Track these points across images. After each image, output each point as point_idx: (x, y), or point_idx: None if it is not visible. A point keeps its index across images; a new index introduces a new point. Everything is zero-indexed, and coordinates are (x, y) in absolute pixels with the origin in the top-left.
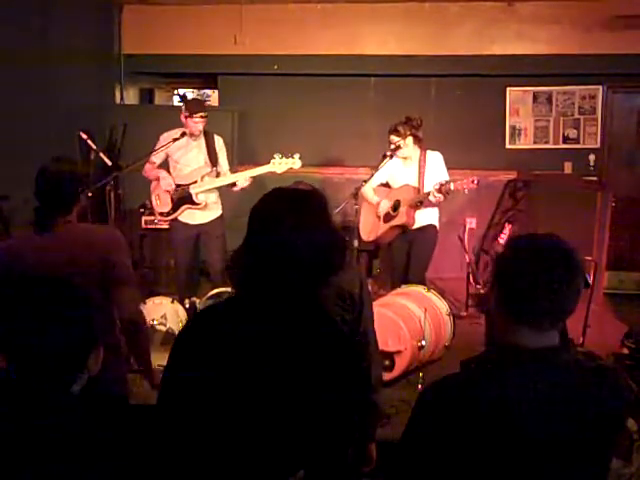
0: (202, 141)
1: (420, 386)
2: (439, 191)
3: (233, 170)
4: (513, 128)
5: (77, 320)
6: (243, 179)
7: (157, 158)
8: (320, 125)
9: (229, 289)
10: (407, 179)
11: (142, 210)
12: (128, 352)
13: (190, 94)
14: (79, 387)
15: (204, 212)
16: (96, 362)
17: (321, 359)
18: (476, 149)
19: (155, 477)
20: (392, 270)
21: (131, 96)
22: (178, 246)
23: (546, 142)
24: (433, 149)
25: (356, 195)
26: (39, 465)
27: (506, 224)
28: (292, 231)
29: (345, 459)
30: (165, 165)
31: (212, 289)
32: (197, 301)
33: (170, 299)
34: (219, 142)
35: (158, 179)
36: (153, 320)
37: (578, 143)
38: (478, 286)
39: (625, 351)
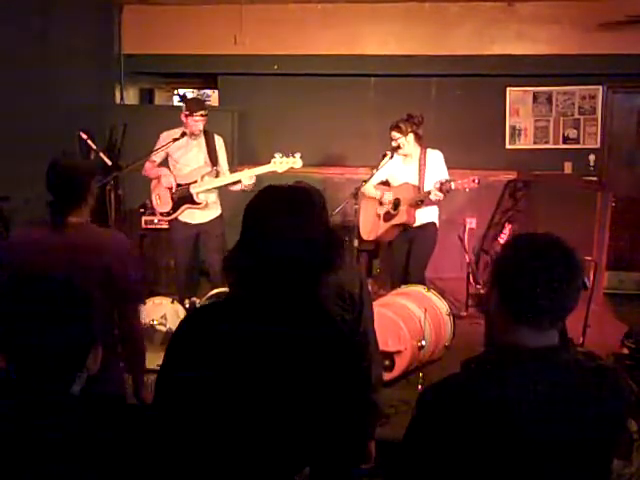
0: (202, 141)
1: (420, 386)
2: (440, 190)
3: (233, 170)
4: (513, 128)
5: (77, 319)
6: (247, 178)
7: (157, 157)
8: (320, 125)
9: (229, 289)
10: (407, 177)
11: (142, 210)
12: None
13: (190, 94)
14: (79, 387)
15: (204, 212)
16: (95, 361)
17: (321, 357)
18: (476, 149)
19: (156, 477)
20: (392, 270)
21: (131, 96)
22: (178, 246)
23: (546, 142)
24: (433, 149)
25: (356, 195)
26: (39, 465)
27: (506, 224)
28: (288, 229)
29: (349, 456)
30: (165, 165)
31: (212, 289)
32: (197, 301)
33: (170, 299)
34: (219, 142)
35: (158, 178)
36: (153, 320)
37: (578, 143)
38: (478, 286)
39: (625, 351)
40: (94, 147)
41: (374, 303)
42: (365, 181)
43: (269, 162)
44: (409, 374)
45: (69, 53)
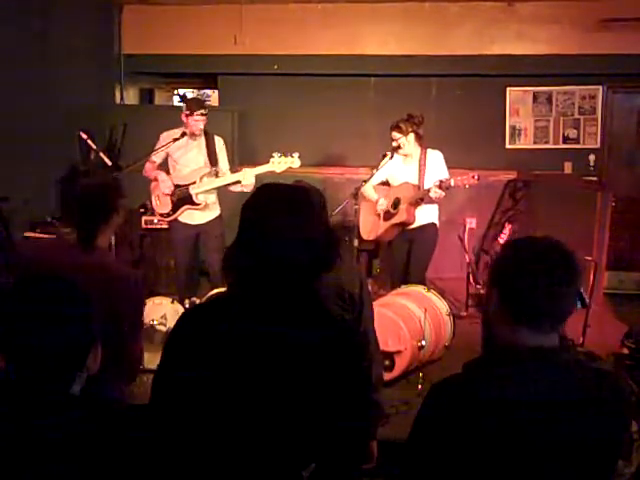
0: (202, 141)
1: (420, 386)
2: (440, 187)
3: (233, 170)
4: (513, 128)
5: (76, 319)
6: (247, 177)
7: (157, 157)
8: (320, 125)
9: None
10: (407, 177)
11: (142, 210)
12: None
13: (190, 94)
14: (79, 387)
15: (203, 212)
16: (95, 361)
17: (321, 356)
18: (476, 149)
19: (157, 476)
20: (392, 270)
21: (131, 96)
22: (178, 246)
23: (546, 142)
24: (433, 149)
25: (356, 195)
26: (39, 465)
27: (506, 224)
28: (286, 228)
29: (352, 454)
30: (165, 165)
31: (212, 289)
32: (197, 301)
33: (170, 299)
34: (219, 143)
35: (157, 180)
36: (153, 320)
37: (578, 143)
38: (478, 286)
39: (625, 351)
40: (94, 147)
41: (374, 303)
42: (365, 181)
43: (268, 162)
44: (409, 374)
45: (69, 53)
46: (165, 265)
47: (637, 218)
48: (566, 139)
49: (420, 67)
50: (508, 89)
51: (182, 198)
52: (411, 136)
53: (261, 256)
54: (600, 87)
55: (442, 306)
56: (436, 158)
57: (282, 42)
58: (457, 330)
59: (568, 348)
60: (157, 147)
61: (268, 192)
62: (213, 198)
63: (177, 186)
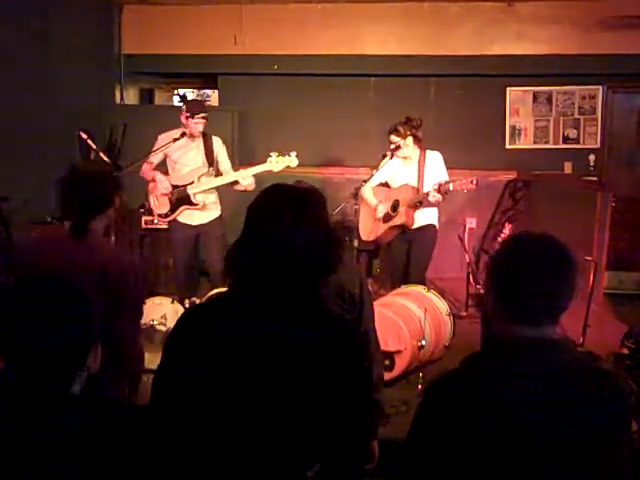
0: (200, 142)
1: (420, 386)
2: (438, 191)
3: (233, 170)
4: (513, 128)
5: (76, 319)
6: (244, 177)
7: (155, 158)
8: (320, 125)
9: None
10: (407, 179)
11: (142, 210)
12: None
13: (190, 94)
14: (79, 386)
15: (203, 212)
16: (95, 360)
17: (322, 355)
18: (476, 149)
19: (158, 477)
20: (392, 270)
21: (131, 96)
22: (177, 246)
23: (546, 142)
24: (433, 149)
25: (356, 195)
26: (39, 465)
27: (506, 224)
28: (289, 229)
29: (355, 454)
30: (163, 165)
31: (212, 289)
32: (197, 301)
33: (170, 299)
34: (217, 143)
35: (154, 181)
36: (153, 320)
37: (578, 143)
38: (478, 286)
39: (625, 351)
40: (94, 147)
41: (374, 303)
42: (365, 181)
43: (266, 162)
44: (409, 374)
45: (69, 53)
46: (165, 265)
47: (637, 218)
48: (566, 139)
49: (420, 67)
50: (508, 89)
51: (180, 198)
52: (409, 139)
53: (262, 255)
54: (600, 87)
55: (442, 306)
56: (435, 159)
57: (282, 42)
58: (457, 330)
59: (567, 343)
60: (155, 148)
61: (273, 193)
62: (213, 198)
63: (175, 186)
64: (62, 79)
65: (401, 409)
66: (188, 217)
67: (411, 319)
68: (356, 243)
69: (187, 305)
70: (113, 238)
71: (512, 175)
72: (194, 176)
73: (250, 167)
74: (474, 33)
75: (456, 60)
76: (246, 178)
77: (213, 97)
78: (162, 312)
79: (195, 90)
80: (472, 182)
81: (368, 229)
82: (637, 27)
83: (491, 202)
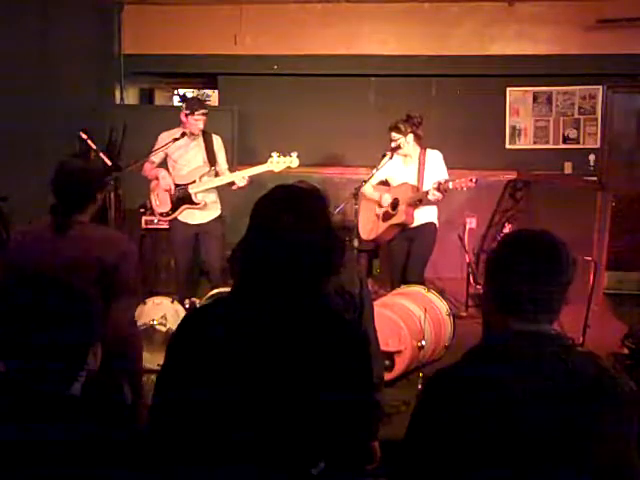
0: (201, 141)
1: (420, 386)
2: (438, 189)
3: (232, 170)
4: (513, 128)
5: (77, 318)
6: (240, 178)
7: (156, 157)
8: (320, 125)
9: (229, 289)
10: (407, 177)
11: (142, 210)
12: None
13: (190, 94)
14: (80, 386)
15: (203, 212)
16: (95, 359)
17: (328, 354)
18: (476, 149)
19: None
20: (392, 270)
21: (131, 96)
22: (178, 246)
23: (546, 142)
24: (433, 149)
25: (356, 195)
26: (39, 465)
27: (506, 224)
28: (292, 230)
29: (358, 452)
30: (164, 165)
31: (212, 289)
32: (197, 301)
33: (170, 299)
34: (218, 142)
35: (158, 178)
36: (153, 320)
37: (578, 143)
38: (478, 286)
39: (625, 351)
40: (94, 147)
41: (374, 303)
42: (365, 181)
43: (267, 162)
44: (409, 374)
45: (69, 53)
46: (165, 265)
47: (637, 218)
48: (566, 139)
49: (420, 67)
50: (508, 89)
51: (181, 197)
52: (410, 137)
53: (265, 257)
54: (600, 87)
55: (442, 306)
56: (435, 158)
57: (282, 42)
58: (457, 330)
59: (564, 338)
60: (156, 147)
61: (276, 194)
62: (213, 197)
63: (177, 186)
64: (62, 79)
65: (401, 409)
66: (188, 216)
67: (411, 319)
68: (356, 243)
69: (187, 305)
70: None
71: (512, 175)
72: (195, 175)
73: (250, 167)
74: (474, 33)
75: (456, 60)
76: (246, 178)
77: (213, 97)
78: (162, 312)
79: (195, 90)
80: (471, 181)
81: (368, 228)
82: (637, 27)
83: (491, 202)
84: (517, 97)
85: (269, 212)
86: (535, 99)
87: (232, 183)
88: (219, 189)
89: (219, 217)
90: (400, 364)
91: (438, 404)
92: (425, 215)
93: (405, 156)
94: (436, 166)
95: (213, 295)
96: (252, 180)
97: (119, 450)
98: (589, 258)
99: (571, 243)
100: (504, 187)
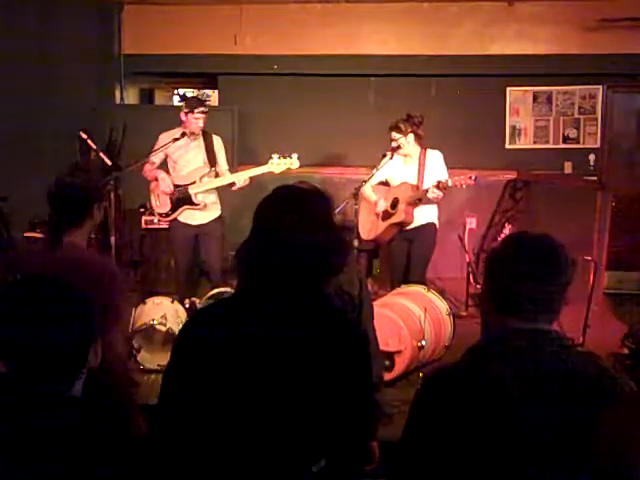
0: (201, 141)
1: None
2: (437, 187)
3: (233, 170)
4: (513, 128)
5: (76, 318)
6: (241, 180)
7: (156, 158)
8: (320, 125)
9: (229, 289)
10: (407, 177)
11: (142, 210)
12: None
13: (190, 94)
14: (80, 386)
15: (203, 212)
16: (96, 357)
17: (330, 354)
18: (476, 149)
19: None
20: (392, 270)
21: (131, 96)
22: (178, 246)
23: (546, 142)
24: (433, 149)
25: (356, 195)
26: (39, 465)
27: (506, 224)
28: (293, 231)
29: (357, 452)
30: (164, 165)
31: (212, 289)
32: (197, 301)
33: (170, 299)
34: (218, 142)
35: (157, 179)
36: (153, 320)
37: (578, 143)
38: (478, 286)
39: (625, 351)
40: (94, 147)
41: (374, 303)
42: (365, 181)
43: (267, 163)
44: (409, 374)
45: (69, 53)
46: (165, 265)
47: (637, 218)
48: (566, 139)
49: (420, 67)
50: (508, 89)
51: (181, 198)
52: (410, 136)
53: (269, 257)
54: (600, 87)
55: (442, 306)
56: (435, 158)
57: (282, 42)
58: (457, 330)
59: (562, 338)
60: (156, 147)
61: (280, 194)
62: (213, 198)
63: (177, 186)
64: (62, 79)
65: (402, 409)
66: (189, 217)
67: (411, 319)
68: (356, 243)
69: (187, 305)
70: (113, 238)
71: (512, 175)
72: (195, 176)
73: (251, 167)
74: (474, 33)
75: (456, 60)
76: (246, 179)
77: (213, 97)
78: (162, 312)
79: (195, 90)
80: (470, 178)
81: (368, 227)
82: (637, 27)
83: (491, 202)
84: (517, 97)
85: (273, 213)
86: (535, 99)
87: (232, 184)
88: (219, 190)
89: (219, 218)
90: (400, 364)
91: (436, 403)
92: (425, 215)
93: (405, 156)
94: (436, 166)
95: (213, 295)
96: (252, 181)
97: (119, 450)
98: (589, 258)
99: (571, 243)
100: (504, 187)
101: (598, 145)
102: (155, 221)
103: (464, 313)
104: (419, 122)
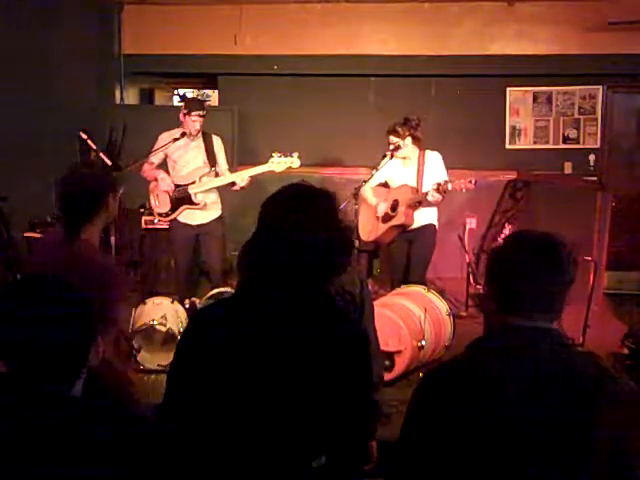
0: (201, 141)
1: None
2: (437, 191)
3: (232, 170)
4: (513, 128)
5: (77, 317)
6: (241, 178)
7: (156, 158)
8: (320, 125)
9: (229, 289)
10: (406, 179)
11: (142, 210)
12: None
13: (190, 94)
14: (81, 386)
15: (204, 212)
16: (96, 355)
17: (333, 352)
18: (476, 149)
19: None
20: (392, 270)
21: (131, 96)
22: (178, 246)
23: (546, 142)
24: (433, 149)
25: (356, 195)
26: (39, 465)
27: (506, 224)
28: (298, 229)
29: (356, 451)
30: (164, 165)
31: (212, 289)
32: (197, 301)
33: (170, 299)
34: (218, 142)
35: (157, 179)
36: (153, 320)
37: (578, 143)
38: (478, 286)
39: (625, 351)
40: (94, 147)
41: (374, 303)
42: (365, 181)
43: (268, 162)
44: (409, 374)
45: (69, 53)
46: (165, 265)
47: (637, 218)
48: (566, 139)
49: (420, 67)
50: (508, 89)
51: (181, 198)
52: (408, 139)
53: (273, 256)
54: (600, 87)
55: (442, 306)
56: (435, 160)
57: (282, 42)
58: (457, 330)
59: (563, 337)
60: (156, 147)
61: (285, 193)
62: (213, 198)
63: (177, 186)
64: (62, 79)
65: (400, 409)
66: (189, 217)
67: (411, 319)
68: (356, 243)
69: (187, 305)
70: (113, 238)
71: (512, 175)
72: (195, 176)
73: (250, 167)
74: (474, 33)
75: (456, 60)
76: (246, 178)
77: (213, 97)
78: (162, 312)
79: (195, 90)
80: (470, 182)
81: (368, 229)
82: (637, 27)
83: (491, 202)
84: (517, 97)
85: (278, 211)
86: (535, 99)
87: (233, 183)
88: (219, 189)
89: (219, 217)
90: (400, 364)
91: (434, 401)
92: (425, 216)
93: (404, 158)
94: (435, 167)
95: (213, 295)
96: (252, 180)
97: (119, 450)
98: (589, 258)
99: (571, 243)
100: (504, 187)
101: (598, 145)
102: (155, 221)
103: (464, 313)
104: (416, 125)
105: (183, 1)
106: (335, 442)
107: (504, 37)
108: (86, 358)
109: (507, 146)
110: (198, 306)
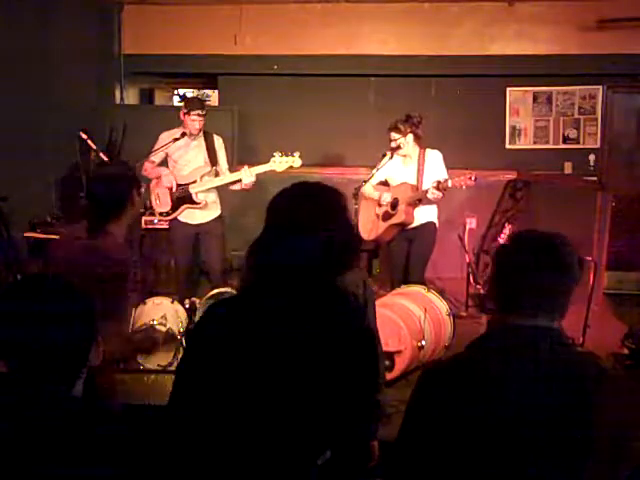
0: (202, 141)
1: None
2: (437, 188)
3: (232, 170)
4: (513, 128)
5: (77, 317)
6: (247, 175)
7: (157, 157)
8: (320, 125)
9: (229, 289)
10: (406, 177)
11: (142, 210)
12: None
13: (190, 94)
14: (81, 385)
15: (204, 212)
16: (97, 356)
17: (341, 350)
18: (476, 149)
19: (166, 474)
20: (392, 270)
21: (131, 96)
22: (178, 246)
23: (546, 142)
24: (433, 148)
25: (356, 195)
26: (39, 465)
27: (506, 224)
28: (307, 226)
29: (368, 440)
30: (164, 165)
31: (212, 289)
32: (197, 301)
33: (170, 299)
34: (218, 141)
35: (159, 177)
36: (153, 320)
37: (578, 143)
38: (478, 286)
39: (625, 351)
40: (94, 147)
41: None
42: (365, 181)
43: (269, 161)
44: (409, 374)
45: (69, 53)
46: (165, 265)
47: (637, 218)
48: (566, 139)
49: (420, 67)
50: (508, 89)
51: (181, 197)
52: (410, 137)
53: (282, 252)
54: (600, 87)
55: (442, 306)
56: (435, 158)
57: (282, 42)
58: (457, 330)
59: (562, 337)
60: (156, 147)
61: (293, 192)
62: (213, 197)
63: (178, 185)
64: (62, 79)
65: (399, 409)
66: (189, 216)
67: (411, 319)
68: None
69: (187, 305)
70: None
71: (512, 175)
72: (196, 175)
73: (251, 167)
74: (474, 33)
75: (456, 60)
76: (247, 177)
77: (213, 97)
78: (162, 312)
79: (195, 90)
80: (470, 178)
81: (368, 228)
82: (637, 27)
83: (491, 202)
84: (517, 97)
85: (287, 208)
86: (535, 99)
87: (234, 183)
88: (219, 189)
89: (219, 217)
90: (400, 364)
91: (433, 400)
92: (425, 215)
93: (405, 156)
94: (436, 166)
95: (213, 295)
96: (254, 181)
97: (119, 450)
98: (589, 258)
99: (571, 243)
100: (504, 187)
101: (598, 145)
102: (155, 221)
103: (464, 313)
104: (418, 122)
105: (183, 1)
106: (341, 440)
107: (504, 37)
108: (86, 358)
109: (507, 146)
110: (198, 306)
